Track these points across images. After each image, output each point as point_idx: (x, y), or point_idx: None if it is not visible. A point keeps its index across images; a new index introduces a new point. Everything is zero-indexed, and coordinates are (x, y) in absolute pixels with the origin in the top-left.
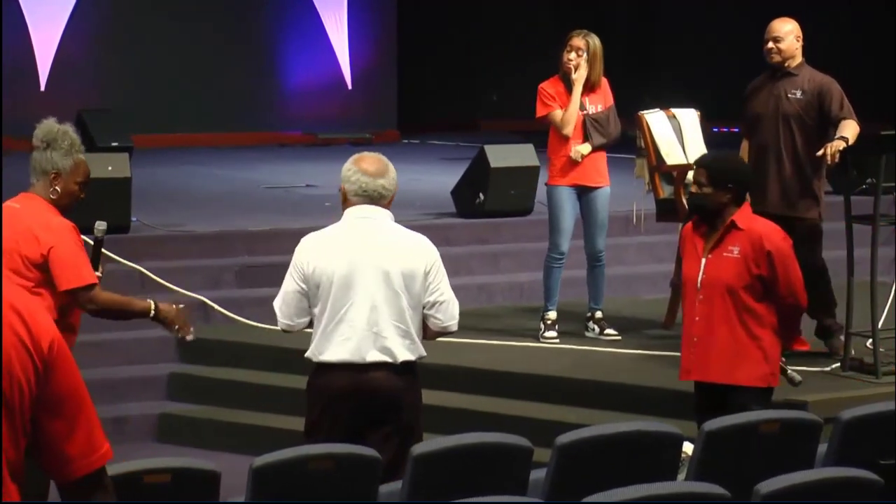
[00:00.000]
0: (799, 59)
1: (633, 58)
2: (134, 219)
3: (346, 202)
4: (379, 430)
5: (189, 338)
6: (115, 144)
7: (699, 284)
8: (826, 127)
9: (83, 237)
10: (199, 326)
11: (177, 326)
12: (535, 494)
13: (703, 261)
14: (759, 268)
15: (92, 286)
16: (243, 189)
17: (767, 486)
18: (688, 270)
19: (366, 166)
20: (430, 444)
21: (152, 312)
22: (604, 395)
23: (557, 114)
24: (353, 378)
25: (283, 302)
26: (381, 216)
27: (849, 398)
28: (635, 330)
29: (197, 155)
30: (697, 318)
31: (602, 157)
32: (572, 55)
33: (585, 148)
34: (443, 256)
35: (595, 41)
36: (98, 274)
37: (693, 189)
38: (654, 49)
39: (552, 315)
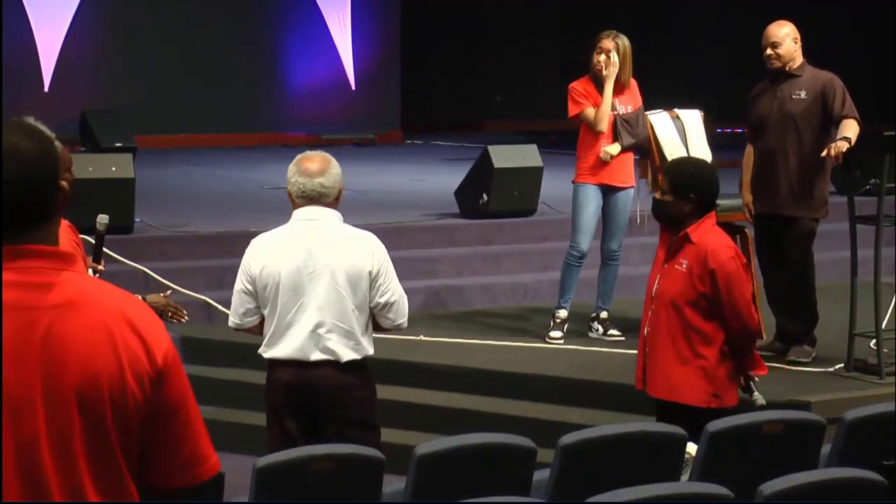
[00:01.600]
0: (799, 59)
1: (634, 59)
2: (137, 219)
3: (293, 204)
4: (330, 425)
5: (184, 320)
6: (118, 145)
7: (653, 294)
8: (829, 126)
9: (83, 236)
10: (202, 327)
11: (169, 314)
12: (539, 495)
13: (661, 271)
14: (704, 285)
15: None
16: (246, 190)
17: (771, 486)
18: (650, 278)
19: (305, 166)
20: (434, 444)
21: None
22: (607, 396)
23: (590, 111)
24: (299, 374)
25: (233, 302)
26: (326, 217)
27: (852, 399)
28: (638, 330)
29: (200, 155)
30: (648, 329)
31: (629, 157)
32: (602, 56)
33: (615, 148)
34: (446, 257)
35: (624, 42)
36: (101, 268)
37: (657, 195)
38: (655, 50)
39: (562, 314)
